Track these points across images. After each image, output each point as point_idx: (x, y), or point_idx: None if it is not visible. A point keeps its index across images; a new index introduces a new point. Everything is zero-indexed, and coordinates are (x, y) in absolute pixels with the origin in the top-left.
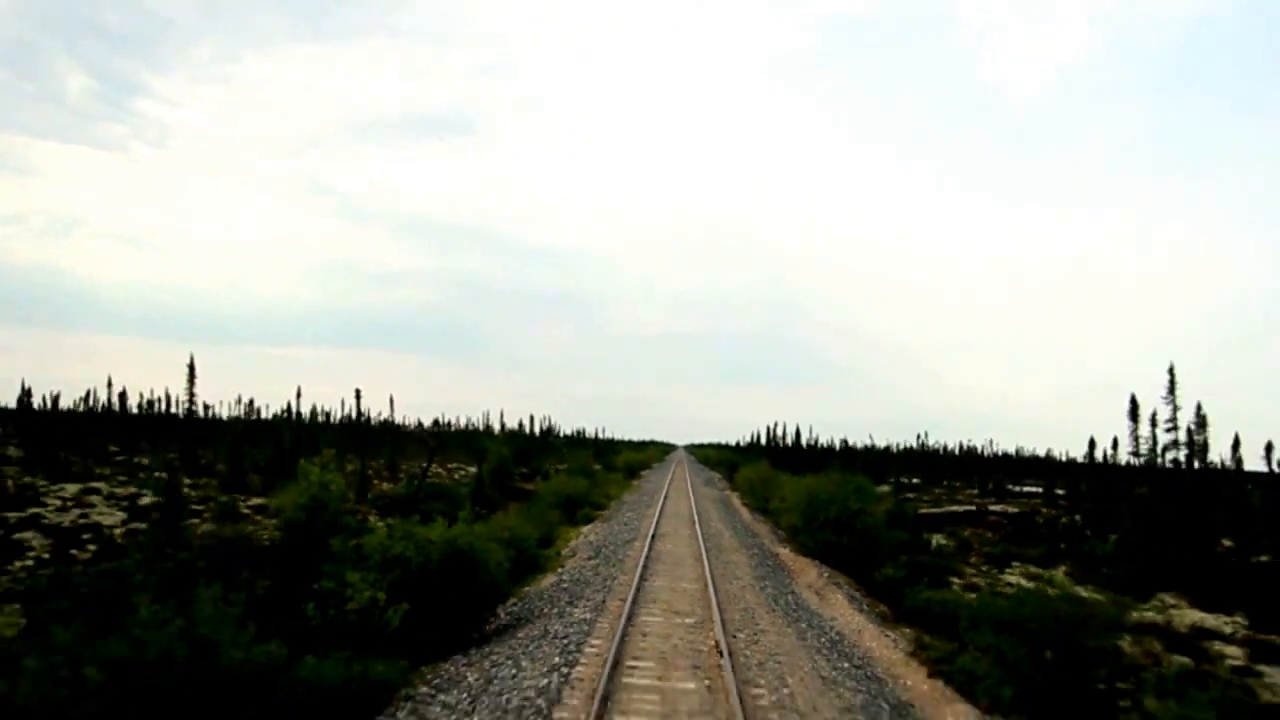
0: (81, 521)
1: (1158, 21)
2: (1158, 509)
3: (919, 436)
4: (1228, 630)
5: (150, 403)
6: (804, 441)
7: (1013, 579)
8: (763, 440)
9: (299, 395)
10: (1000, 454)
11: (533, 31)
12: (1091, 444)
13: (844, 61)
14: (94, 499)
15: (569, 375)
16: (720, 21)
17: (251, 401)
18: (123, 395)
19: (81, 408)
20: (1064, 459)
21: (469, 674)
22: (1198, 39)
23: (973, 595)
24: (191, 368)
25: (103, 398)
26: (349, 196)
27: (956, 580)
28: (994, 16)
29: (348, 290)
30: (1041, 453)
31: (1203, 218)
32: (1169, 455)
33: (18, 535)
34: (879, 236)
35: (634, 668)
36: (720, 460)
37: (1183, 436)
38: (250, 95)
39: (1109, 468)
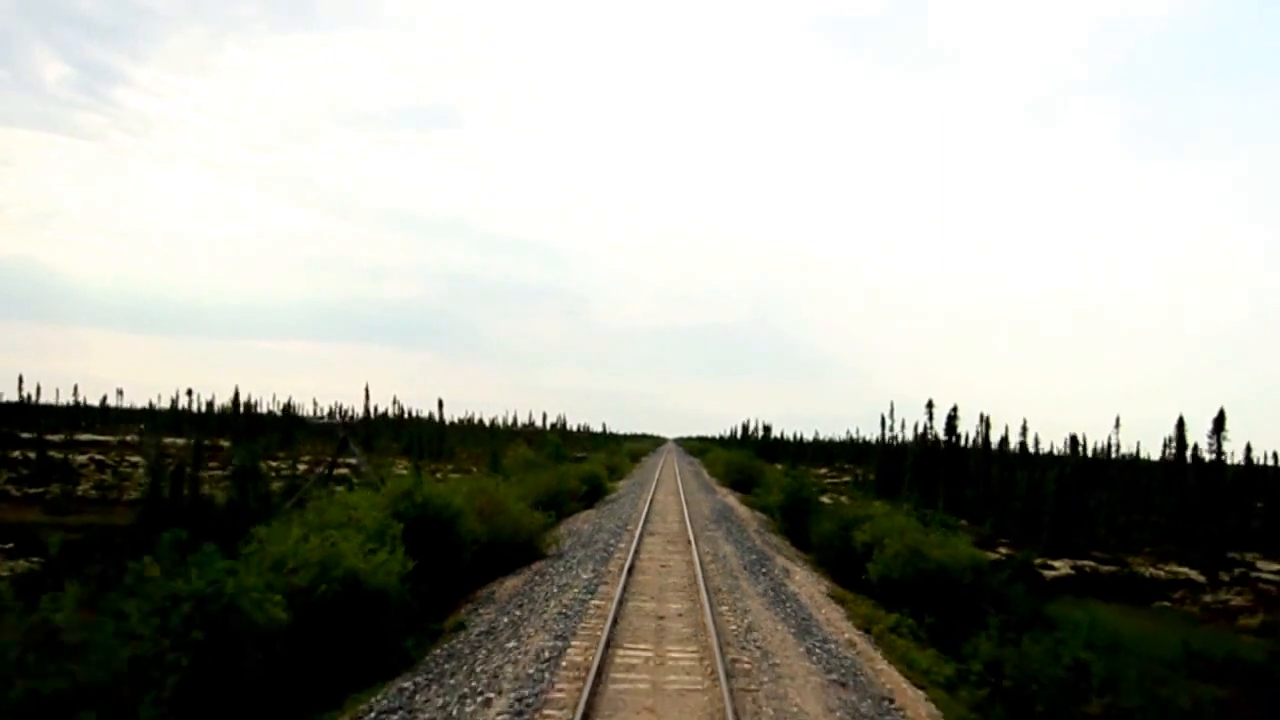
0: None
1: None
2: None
3: (848, 432)
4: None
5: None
6: (772, 435)
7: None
8: (739, 434)
9: (395, 401)
10: None
11: (520, 24)
12: (893, 436)
13: (835, 61)
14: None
15: (556, 368)
16: (711, 19)
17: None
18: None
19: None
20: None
21: (604, 508)
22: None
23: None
24: (441, 402)
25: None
26: (334, 189)
27: None
28: (974, 22)
29: (333, 284)
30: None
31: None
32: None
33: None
34: (865, 236)
35: (650, 515)
36: (701, 449)
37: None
38: (232, 86)
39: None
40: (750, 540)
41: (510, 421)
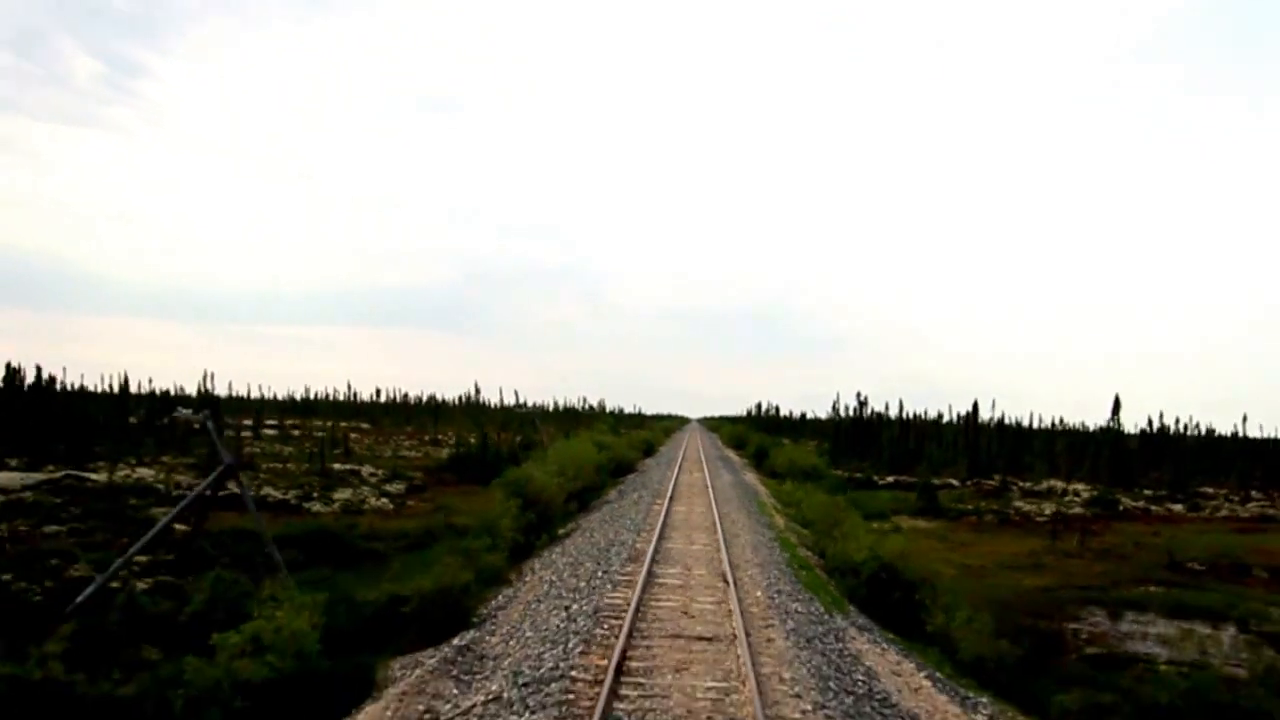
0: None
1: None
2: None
3: (839, 409)
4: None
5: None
6: (781, 415)
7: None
8: (754, 413)
9: (476, 388)
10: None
11: (532, 5)
12: (842, 409)
13: (846, 49)
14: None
15: (577, 352)
16: (727, 3)
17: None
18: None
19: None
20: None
21: (657, 456)
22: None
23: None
24: (516, 391)
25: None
26: (348, 175)
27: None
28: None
29: (350, 270)
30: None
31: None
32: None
33: None
34: (885, 221)
35: (684, 458)
36: (716, 426)
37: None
38: (249, 75)
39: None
40: (734, 467)
41: (557, 405)
